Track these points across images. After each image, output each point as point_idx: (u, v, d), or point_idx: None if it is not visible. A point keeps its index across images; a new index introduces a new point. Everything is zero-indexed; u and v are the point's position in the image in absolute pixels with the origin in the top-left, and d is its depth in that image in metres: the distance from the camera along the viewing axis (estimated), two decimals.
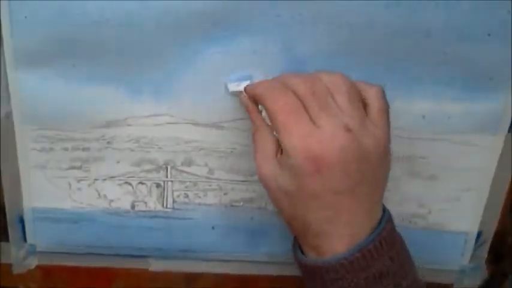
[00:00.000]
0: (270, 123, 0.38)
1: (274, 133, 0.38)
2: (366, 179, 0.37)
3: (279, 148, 0.38)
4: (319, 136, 0.36)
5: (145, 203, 0.48)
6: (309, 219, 0.37)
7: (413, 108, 0.44)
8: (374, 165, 0.37)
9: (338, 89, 0.37)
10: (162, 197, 0.48)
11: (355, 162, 0.36)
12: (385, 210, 0.39)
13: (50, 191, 0.47)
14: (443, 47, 0.42)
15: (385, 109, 0.38)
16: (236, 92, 0.42)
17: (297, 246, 0.40)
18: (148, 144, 0.45)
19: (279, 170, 0.37)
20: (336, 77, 0.37)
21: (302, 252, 0.40)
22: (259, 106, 0.40)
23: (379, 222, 0.38)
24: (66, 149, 0.45)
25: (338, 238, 0.37)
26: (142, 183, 0.47)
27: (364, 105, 0.38)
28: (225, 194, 0.48)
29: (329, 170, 0.35)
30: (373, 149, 0.37)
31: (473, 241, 0.50)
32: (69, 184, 0.47)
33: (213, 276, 0.52)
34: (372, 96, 0.38)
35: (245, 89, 0.41)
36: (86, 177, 0.47)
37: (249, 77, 0.42)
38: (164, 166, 0.46)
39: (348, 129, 0.36)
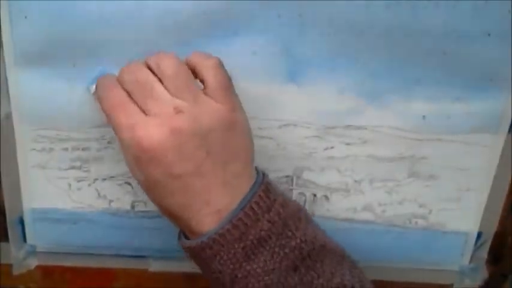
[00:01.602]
0: None
1: None
2: (213, 155, 0.36)
3: None
4: (147, 124, 0.35)
5: (145, 203, 0.48)
6: (167, 207, 0.37)
7: (413, 108, 0.44)
8: (221, 140, 0.36)
9: (164, 72, 0.36)
10: None
11: (193, 142, 0.35)
12: (259, 173, 0.39)
13: (50, 191, 0.47)
14: (443, 47, 0.42)
15: (223, 81, 0.37)
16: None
17: (182, 233, 0.40)
18: None
19: (132, 164, 0.37)
20: (161, 59, 0.37)
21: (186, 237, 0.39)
22: None
23: (251, 190, 0.37)
24: (66, 149, 0.45)
25: (204, 217, 0.36)
26: None
27: (202, 80, 0.37)
28: None
29: (164, 156, 0.35)
30: (214, 124, 0.36)
31: (473, 241, 0.50)
32: (69, 184, 0.47)
33: None
34: (207, 70, 0.37)
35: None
36: (85, 177, 0.47)
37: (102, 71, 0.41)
38: None
39: (179, 111, 0.35)
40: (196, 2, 0.39)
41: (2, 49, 0.41)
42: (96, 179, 0.47)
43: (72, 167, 0.46)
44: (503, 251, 0.51)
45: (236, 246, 0.36)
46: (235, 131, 0.37)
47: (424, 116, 0.45)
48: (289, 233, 0.37)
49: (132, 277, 0.51)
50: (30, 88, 0.43)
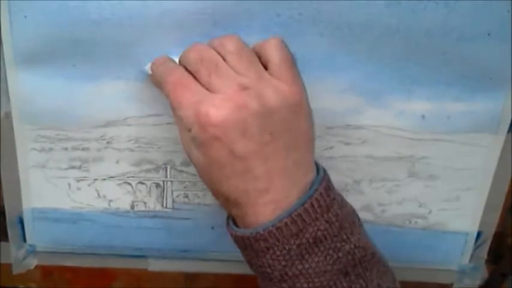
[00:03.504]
0: None
1: None
2: (277, 137, 0.35)
3: None
4: (211, 100, 0.34)
5: (145, 203, 0.48)
6: (225, 191, 0.36)
7: (413, 108, 0.44)
8: (286, 122, 0.35)
9: (227, 50, 0.36)
10: (161, 197, 0.48)
11: (258, 120, 0.34)
12: (319, 170, 0.37)
13: (50, 191, 0.47)
14: (443, 47, 0.42)
15: (287, 59, 0.36)
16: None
17: (230, 218, 0.39)
18: (148, 144, 0.45)
19: (190, 145, 0.36)
20: (225, 39, 0.36)
21: (236, 224, 0.38)
22: None
23: (312, 184, 0.36)
24: (65, 149, 0.45)
25: (261, 206, 0.35)
26: (142, 183, 0.47)
27: (266, 61, 0.36)
28: None
29: (227, 133, 0.34)
30: (279, 104, 0.35)
31: (473, 241, 0.50)
32: (69, 184, 0.47)
33: (213, 276, 0.52)
34: (270, 49, 0.36)
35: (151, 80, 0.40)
36: (85, 177, 0.47)
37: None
38: (164, 166, 0.46)
39: (244, 87, 0.34)
40: (196, 2, 0.39)
41: (2, 48, 0.41)
42: (95, 179, 0.47)
43: (72, 167, 0.46)
44: (503, 250, 0.51)
45: (292, 242, 0.35)
46: (300, 114, 0.36)
47: (423, 116, 0.45)
48: (344, 236, 0.36)
49: (131, 277, 0.51)
50: (30, 88, 0.43)
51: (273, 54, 0.36)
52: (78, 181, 0.47)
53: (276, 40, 0.36)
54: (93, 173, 0.46)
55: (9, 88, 0.43)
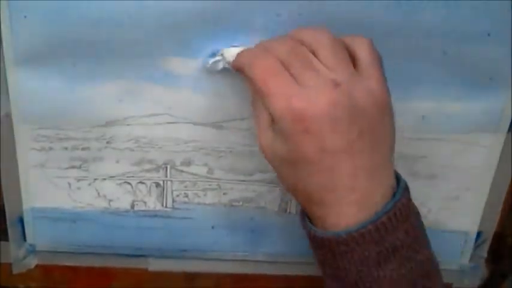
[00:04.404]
0: None
1: None
2: (364, 136, 0.35)
3: None
4: (304, 94, 0.34)
5: (145, 202, 0.48)
6: (308, 187, 0.36)
7: (413, 108, 0.44)
8: (373, 121, 0.35)
9: (320, 45, 0.35)
10: (161, 196, 0.48)
11: (348, 117, 0.34)
12: (399, 178, 0.37)
13: (50, 190, 0.47)
14: (443, 47, 0.42)
15: (377, 59, 0.36)
16: (217, 63, 0.41)
17: (305, 214, 0.38)
18: (148, 144, 0.45)
19: (273, 137, 0.36)
20: (317, 33, 0.36)
21: (310, 220, 0.38)
22: None
23: (394, 192, 0.36)
24: (65, 149, 0.45)
25: (345, 206, 0.35)
26: (142, 183, 0.47)
27: (354, 59, 0.36)
28: (224, 193, 0.48)
29: (319, 128, 0.34)
30: (368, 103, 0.35)
31: (473, 241, 0.50)
32: (69, 184, 0.47)
33: (213, 276, 0.52)
34: (360, 48, 0.36)
35: (232, 63, 0.40)
36: (85, 176, 0.47)
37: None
38: (164, 166, 0.46)
39: (336, 84, 0.34)
40: (196, 2, 0.39)
41: (2, 49, 0.41)
42: (95, 179, 0.47)
43: (72, 167, 0.46)
44: (503, 250, 0.51)
45: (371, 249, 0.35)
46: (386, 115, 0.36)
47: (423, 116, 0.45)
48: (417, 247, 0.36)
49: (131, 277, 0.51)
50: (30, 87, 0.43)
51: (365, 54, 0.36)
52: (78, 181, 0.47)
53: (368, 40, 0.36)
54: (93, 172, 0.46)
55: (9, 88, 0.43)
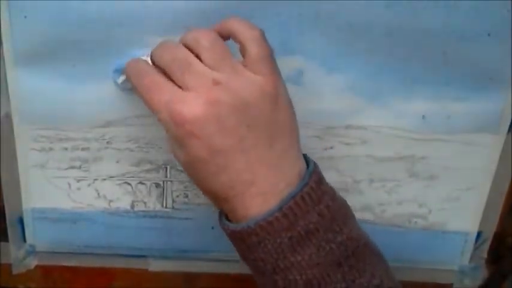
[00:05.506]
0: None
1: None
2: (255, 130, 0.35)
3: None
4: (183, 98, 0.34)
5: (145, 203, 0.48)
6: (212, 186, 0.36)
7: (413, 108, 0.44)
8: (263, 114, 0.35)
9: (200, 46, 0.36)
10: (161, 197, 0.48)
11: (233, 114, 0.34)
12: (309, 162, 0.37)
13: (50, 191, 0.47)
14: (443, 47, 0.42)
15: (265, 54, 0.36)
16: (126, 82, 0.41)
17: (222, 213, 0.39)
18: (148, 144, 0.45)
19: (172, 145, 0.37)
20: (198, 34, 0.36)
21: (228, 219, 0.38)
22: None
23: (302, 177, 0.36)
24: (65, 149, 0.45)
25: (249, 199, 0.35)
26: (142, 183, 0.47)
27: (243, 50, 0.36)
28: None
29: (203, 128, 0.34)
30: (254, 96, 0.35)
31: (473, 241, 0.50)
32: (69, 184, 0.47)
33: (213, 276, 0.52)
34: (249, 41, 0.36)
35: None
36: (85, 177, 0.47)
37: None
38: (163, 166, 0.46)
39: (216, 82, 0.34)
40: (196, 2, 0.39)
41: (2, 49, 0.41)
42: (95, 179, 0.47)
43: (72, 167, 0.46)
44: (503, 250, 0.51)
45: (283, 235, 0.35)
46: (277, 105, 0.36)
47: (423, 116, 0.45)
48: (337, 228, 0.36)
49: (131, 277, 0.51)
50: (30, 88, 0.43)
51: (253, 48, 0.36)
52: (78, 181, 0.47)
53: (256, 33, 0.36)
54: (93, 173, 0.46)
55: (9, 88, 0.43)
